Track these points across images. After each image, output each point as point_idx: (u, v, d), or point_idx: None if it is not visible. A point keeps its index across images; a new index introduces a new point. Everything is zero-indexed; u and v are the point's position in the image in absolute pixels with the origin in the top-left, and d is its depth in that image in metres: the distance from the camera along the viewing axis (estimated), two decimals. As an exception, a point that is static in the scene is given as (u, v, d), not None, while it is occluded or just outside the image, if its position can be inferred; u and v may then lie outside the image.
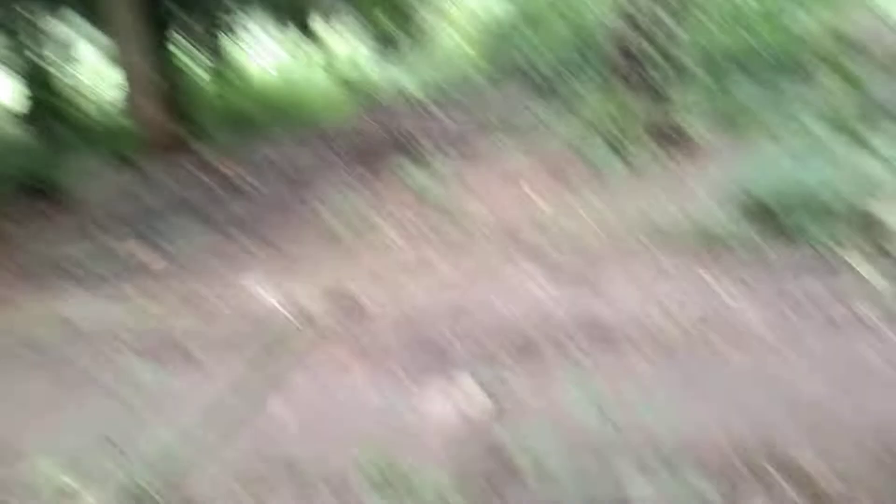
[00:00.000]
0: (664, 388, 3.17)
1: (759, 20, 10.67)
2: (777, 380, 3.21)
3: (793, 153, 5.50)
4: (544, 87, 11.49)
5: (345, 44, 26.64)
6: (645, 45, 7.15)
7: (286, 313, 4.59)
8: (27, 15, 15.85)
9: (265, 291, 5.32)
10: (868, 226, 4.68)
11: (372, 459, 2.65)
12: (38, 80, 16.24)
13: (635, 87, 7.29)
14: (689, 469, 2.05)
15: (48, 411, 3.69)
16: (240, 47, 16.98)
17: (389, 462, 2.65)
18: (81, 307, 5.47)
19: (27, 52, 16.20)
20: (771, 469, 2.46)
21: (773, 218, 5.04)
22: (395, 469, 2.62)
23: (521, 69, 11.97)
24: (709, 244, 5.04)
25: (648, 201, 6.02)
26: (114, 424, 2.96)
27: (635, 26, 7.27)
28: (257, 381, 3.73)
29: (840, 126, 6.29)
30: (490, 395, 3.33)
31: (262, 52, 19.44)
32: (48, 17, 17.83)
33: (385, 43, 18.33)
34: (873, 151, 5.49)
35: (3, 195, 10.21)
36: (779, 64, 9.40)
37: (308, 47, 24.00)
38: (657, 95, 7.21)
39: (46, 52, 18.80)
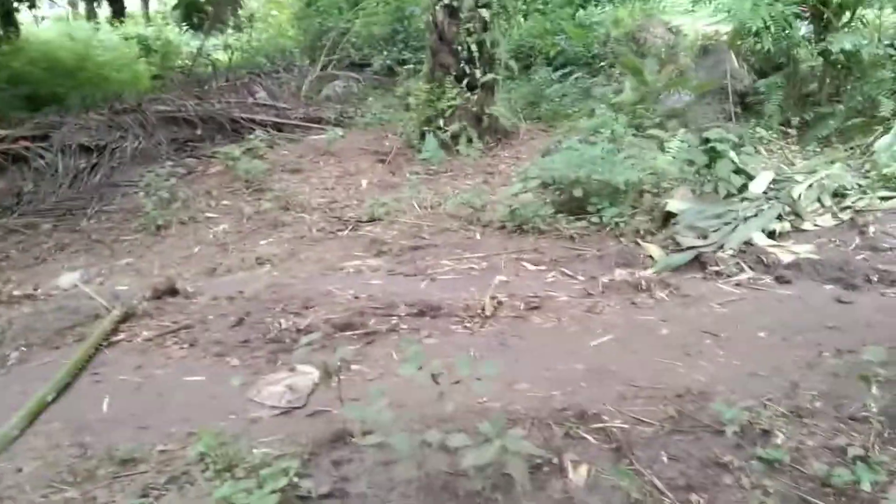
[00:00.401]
0: (484, 353, 3.45)
1: (566, 21, 11.59)
2: (582, 347, 3.62)
3: (597, 146, 6.09)
4: (365, 68, 11.60)
5: (149, 10, 24.68)
6: (463, 35, 7.47)
7: (106, 306, 4.26)
8: None
9: (82, 284, 4.90)
10: (658, 213, 5.34)
11: (207, 442, 2.61)
12: None
13: (454, 75, 7.61)
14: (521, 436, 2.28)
15: None
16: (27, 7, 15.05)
17: (222, 442, 2.62)
18: None
19: None
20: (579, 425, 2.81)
21: (579, 206, 5.57)
22: (228, 449, 2.61)
23: (342, 48, 11.93)
24: (524, 229, 5.47)
25: (470, 188, 6.37)
26: None
27: (454, 15, 7.57)
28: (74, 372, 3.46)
29: (633, 120, 7.07)
30: (321, 371, 3.39)
31: (47, 11, 17.38)
32: None
33: (195, 12, 17.22)
34: (661, 145, 6.24)
35: None
36: (577, 59, 10.31)
37: (106, 11, 21.93)
38: (475, 85, 7.59)
39: None
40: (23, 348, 3.92)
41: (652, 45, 9.55)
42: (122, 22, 19.72)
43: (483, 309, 4.11)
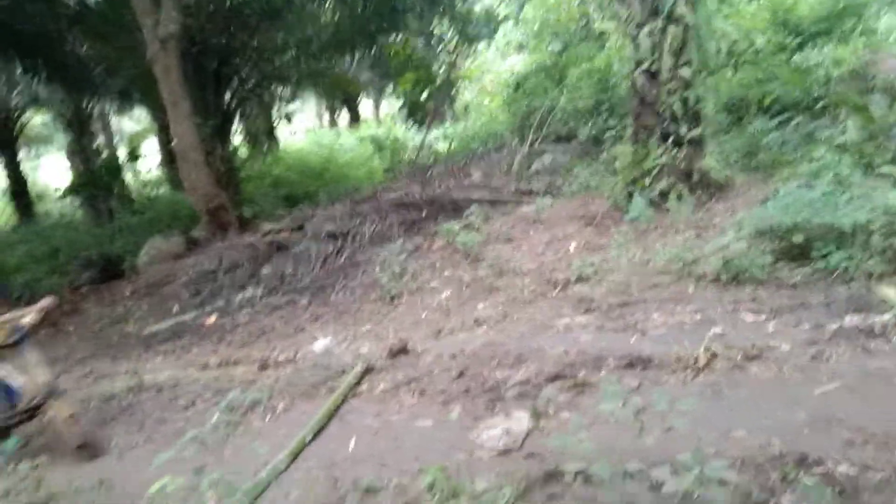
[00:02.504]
0: (695, 401, 3.43)
1: (780, 67, 11.07)
2: (806, 395, 3.44)
3: (816, 189, 5.75)
4: (572, 140, 12.02)
5: (380, 113, 27.89)
6: (665, 95, 7.55)
7: (351, 364, 4.96)
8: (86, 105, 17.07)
9: (330, 346, 5.73)
10: (892, 255, 4.88)
11: (435, 475, 2.96)
12: (93, 162, 17.35)
13: (659, 135, 7.67)
14: (721, 467, 2.30)
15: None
16: (280, 120, 17.98)
17: (448, 476, 2.95)
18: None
19: (82, 139, 17.42)
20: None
21: (801, 252, 5.28)
22: (453, 483, 2.93)
23: (549, 125, 12.52)
24: (740, 280, 5.29)
25: (680, 242, 6.32)
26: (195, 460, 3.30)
27: (654, 78, 7.72)
28: (326, 418, 4.09)
29: (860, 161, 6.53)
30: (534, 417, 3.62)
31: (299, 124, 20.44)
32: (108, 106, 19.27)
33: (418, 110, 19.20)
34: (895, 183, 5.71)
35: (74, 275, 10.99)
36: (797, 104, 9.73)
37: (345, 118, 25.24)
38: (680, 142, 7.57)
39: (98, 136, 20.21)
40: (287, 400, 4.68)
41: (882, 80, 8.73)
42: (358, 126, 22.60)
43: (696, 360, 4.07)
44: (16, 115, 18.99)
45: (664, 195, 7.46)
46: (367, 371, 4.77)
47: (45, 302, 4.97)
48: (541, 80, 14.44)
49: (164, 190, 17.99)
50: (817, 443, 2.92)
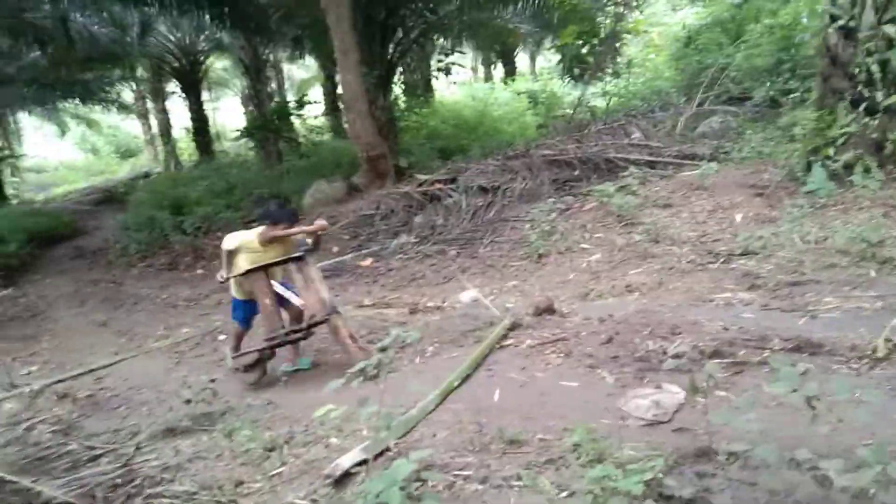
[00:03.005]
0: (876, 394, 3.15)
1: None
2: None
3: None
4: (745, 101, 11.15)
5: (536, 67, 27.40)
6: (860, 55, 6.77)
7: (499, 317, 5.06)
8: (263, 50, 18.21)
9: (477, 297, 5.87)
10: None
11: (581, 436, 2.97)
12: (265, 107, 18.56)
13: (849, 100, 6.92)
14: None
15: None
16: (439, 74, 18.15)
17: (594, 438, 2.95)
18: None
19: (257, 84, 18.65)
20: None
21: None
22: (599, 446, 2.92)
23: (720, 84, 11.68)
24: (933, 266, 4.74)
25: (864, 221, 5.74)
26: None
27: (850, 35, 6.93)
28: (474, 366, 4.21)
29: None
30: (690, 391, 3.51)
31: (456, 77, 20.52)
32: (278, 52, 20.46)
33: (577, 65, 18.64)
34: None
35: (247, 211, 11.97)
36: None
37: (500, 72, 25.06)
38: (875, 110, 6.79)
39: (271, 82, 21.58)
40: (436, 344, 4.87)
41: None
42: (513, 80, 22.37)
43: (874, 350, 3.73)
44: (201, 59, 20.72)
45: (849, 167, 6.75)
46: (514, 326, 4.82)
47: (321, 222, 5.14)
48: (715, 34, 13.46)
49: (327, 137, 18.94)
50: None
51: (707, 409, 3.24)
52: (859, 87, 6.87)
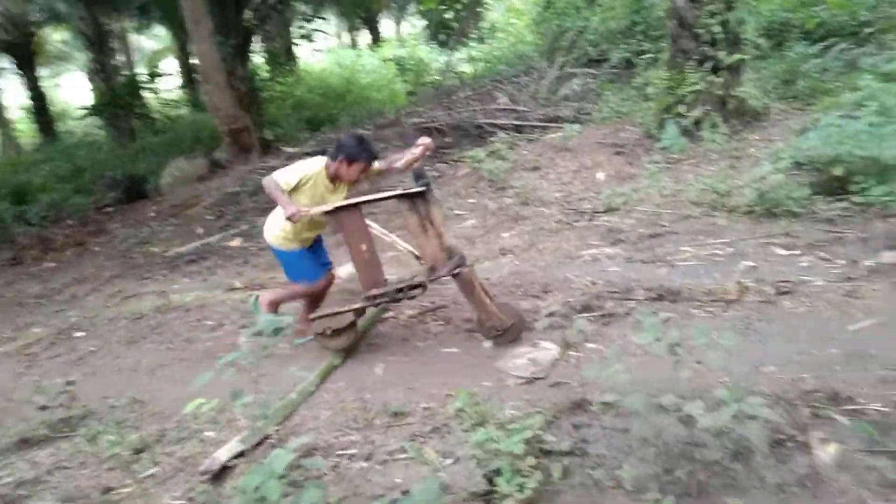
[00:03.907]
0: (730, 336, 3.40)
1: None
2: (839, 331, 3.39)
3: (859, 120, 5.51)
4: (603, 63, 11.60)
5: (402, 33, 27.10)
6: (704, 17, 7.19)
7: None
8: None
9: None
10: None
11: (463, 401, 2.99)
12: (114, 81, 17.18)
13: (696, 59, 7.35)
14: (756, 403, 2.28)
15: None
16: (301, 42, 17.53)
17: (476, 402, 2.98)
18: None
19: (103, 57, 17.20)
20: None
21: (840, 186, 5.11)
22: (481, 408, 2.96)
23: (579, 47, 12.06)
24: (774, 213, 5.16)
25: (713, 173, 6.15)
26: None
27: (694, -1, 7.33)
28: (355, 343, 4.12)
29: (908, 89, 6.22)
30: (563, 347, 3.63)
31: (319, 44, 19.91)
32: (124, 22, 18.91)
33: (442, 30, 18.61)
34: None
35: (99, 195, 11.06)
36: (841, 29, 9.24)
37: (368, 40, 24.58)
38: (718, 68, 7.26)
39: (119, 55, 19.95)
40: (315, 323, 4.71)
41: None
42: (379, 46, 22.02)
43: (727, 294, 4.02)
44: (34, 31, 18.76)
45: (698, 124, 7.21)
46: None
47: (425, 140, 4.10)
48: (572, -2, 13.82)
49: (185, 111, 17.83)
50: (850, 380, 2.89)
51: (580, 363, 3.38)
52: (704, 48, 7.31)
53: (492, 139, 8.44)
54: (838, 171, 5.08)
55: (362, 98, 15.58)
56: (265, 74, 15.65)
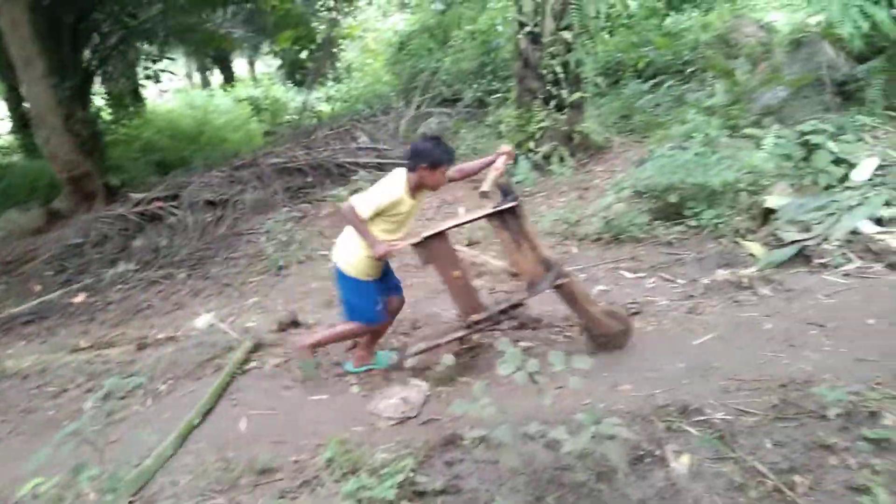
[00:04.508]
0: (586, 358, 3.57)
1: (652, 31, 11.55)
2: (684, 346, 3.66)
3: (688, 150, 6.06)
4: (457, 102, 12.01)
5: (256, 72, 26.60)
6: (546, 58, 7.67)
7: (238, 340, 4.75)
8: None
9: (214, 322, 5.45)
10: (757, 211, 5.25)
11: (334, 450, 2.90)
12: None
13: (542, 98, 7.80)
14: (613, 424, 2.39)
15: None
16: (148, 83, 16.72)
17: (347, 449, 2.90)
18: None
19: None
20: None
21: (675, 211, 5.57)
22: (353, 456, 2.88)
23: (434, 87, 12.43)
24: (620, 239, 5.53)
25: (564, 204, 6.50)
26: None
27: (537, 41, 7.80)
28: (215, 398, 3.89)
29: (727, 122, 6.95)
30: (432, 384, 3.64)
31: (168, 84, 19.13)
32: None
33: (298, 70, 18.48)
34: (758, 144, 6.10)
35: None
36: (668, 68, 10.22)
37: (220, 79, 23.87)
38: (562, 105, 7.74)
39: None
40: (170, 381, 4.43)
41: (744, 45, 9.33)
42: (232, 86, 21.46)
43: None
44: None
45: (547, 158, 7.63)
46: (257, 347, 4.59)
47: (505, 148, 3.77)
48: (424, 40, 14.27)
49: (17, 158, 16.32)
50: (697, 391, 3.11)
51: (450, 398, 3.40)
52: (548, 87, 7.78)
53: (354, 178, 8.43)
54: (673, 198, 5.54)
55: (217, 139, 15.04)
56: (108, 116, 14.72)
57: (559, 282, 3.58)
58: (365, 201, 3.55)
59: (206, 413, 3.81)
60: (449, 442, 3.00)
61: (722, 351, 3.53)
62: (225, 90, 20.46)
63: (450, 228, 3.66)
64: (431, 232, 3.59)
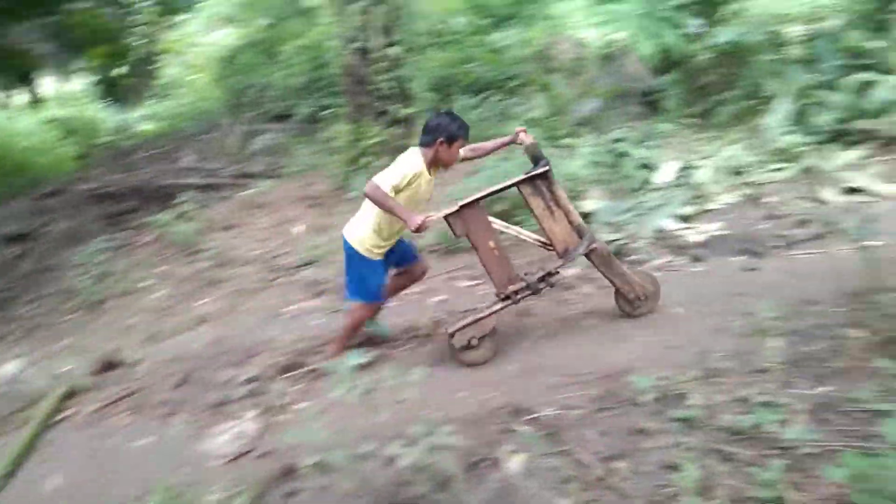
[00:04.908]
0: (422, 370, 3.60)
1: (478, 48, 11.99)
2: (516, 348, 3.79)
3: (513, 160, 6.32)
4: (290, 118, 11.76)
5: (69, 92, 24.39)
6: (376, 74, 7.70)
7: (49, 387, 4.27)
8: None
9: (21, 369, 4.88)
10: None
11: (161, 497, 2.67)
12: None
13: (374, 113, 7.82)
14: (449, 433, 2.42)
15: None
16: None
17: (176, 494, 2.69)
18: None
19: None
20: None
21: (501, 218, 5.77)
22: (182, 500, 2.68)
23: (264, 103, 12.08)
24: (454, 250, 5.64)
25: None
26: None
27: (365, 56, 7.82)
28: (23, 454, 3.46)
29: (547, 133, 7.36)
30: (267, 414, 3.48)
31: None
32: None
33: (114, 87, 17.19)
34: (575, 152, 6.51)
35: None
36: (494, 82, 10.67)
37: (25, 99, 21.59)
38: (395, 120, 7.81)
39: None
40: (-33, 442, 3.88)
41: (561, 60, 9.97)
42: (38, 106, 19.48)
43: (421, 329, 4.27)
44: None
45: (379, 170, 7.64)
46: (71, 393, 4.15)
47: (521, 129, 3.76)
48: (252, 55, 13.80)
49: None
50: (528, 391, 3.23)
51: (286, 427, 3.27)
52: (379, 102, 7.81)
53: (179, 200, 7.93)
54: (499, 206, 5.75)
55: (20, 166, 13.52)
56: None
57: (593, 246, 3.65)
58: (387, 177, 3.51)
59: (10, 473, 3.39)
60: (287, 473, 2.88)
61: (550, 349, 3.69)
62: (29, 111, 18.51)
63: (484, 197, 3.63)
64: (466, 200, 3.57)
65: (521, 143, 3.73)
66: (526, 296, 3.69)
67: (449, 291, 4.93)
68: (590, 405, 2.94)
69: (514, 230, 3.82)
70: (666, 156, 5.93)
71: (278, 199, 7.88)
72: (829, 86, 6.15)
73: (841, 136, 5.72)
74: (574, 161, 6.13)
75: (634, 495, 2.33)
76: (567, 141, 6.92)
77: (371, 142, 7.68)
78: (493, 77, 11.02)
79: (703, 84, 7.41)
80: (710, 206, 5.12)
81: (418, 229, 3.42)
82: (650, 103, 7.61)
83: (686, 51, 7.54)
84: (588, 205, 5.33)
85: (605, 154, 5.81)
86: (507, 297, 3.65)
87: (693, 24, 7.74)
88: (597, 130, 7.14)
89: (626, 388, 2.97)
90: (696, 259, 4.49)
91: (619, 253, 4.70)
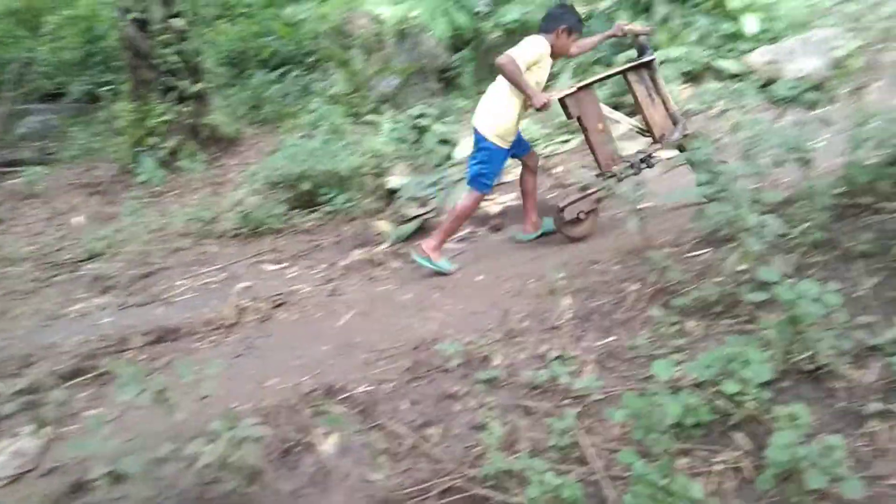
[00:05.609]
0: (232, 360, 3.44)
1: (273, 21, 11.53)
2: (329, 329, 3.75)
3: (316, 138, 6.21)
4: (63, 98, 10.53)
5: None
6: (158, 47, 7.12)
7: None
8: None
9: None
10: (383, 192, 5.62)
11: None
12: None
13: (160, 90, 7.24)
14: (254, 423, 2.31)
15: None
16: None
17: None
18: None
19: None
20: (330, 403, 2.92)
21: (310, 199, 5.66)
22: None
23: (31, 80, 10.68)
24: (259, 232, 5.43)
25: (197, 202, 6.14)
26: None
27: (145, 28, 7.18)
28: None
29: (350, 110, 7.31)
30: (48, 426, 3.12)
31: None
32: None
33: None
34: (377, 129, 6.54)
35: None
36: (293, 57, 10.36)
37: None
38: (184, 97, 7.29)
39: None
40: None
41: (358, 36, 9.89)
42: None
43: (226, 318, 4.06)
44: None
45: (175, 154, 7.13)
46: None
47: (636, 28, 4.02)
48: (10, 26, 12.11)
49: None
50: (341, 370, 3.21)
51: (73, 439, 2.96)
52: (165, 78, 7.23)
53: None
54: (306, 185, 5.63)
55: None
56: None
57: (687, 132, 3.99)
58: (520, 52, 3.61)
59: None
60: (76, 489, 2.60)
61: (362, 326, 3.70)
62: None
63: (595, 81, 3.96)
64: (582, 83, 3.87)
65: (623, 35, 4.02)
66: (629, 175, 3.94)
67: (253, 276, 4.74)
68: (401, 377, 2.97)
69: (617, 115, 4.11)
70: (464, 131, 6.14)
71: (53, 187, 7.05)
72: (608, 63, 6.73)
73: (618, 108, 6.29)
74: (377, 138, 6.15)
75: (446, 459, 2.40)
76: (369, 118, 6.93)
77: (158, 120, 7.13)
78: (292, 52, 10.71)
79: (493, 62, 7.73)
80: (506, 178, 5.40)
81: (543, 106, 3.61)
82: (447, 80, 7.82)
83: (477, 29, 7.84)
84: (393, 181, 5.39)
85: (407, 130, 5.89)
86: (612, 175, 3.92)
87: (482, 2, 8.06)
88: (397, 107, 7.22)
89: (435, 356, 3.05)
90: (496, 229, 4.73)
91: (427, 228, 4.81)
